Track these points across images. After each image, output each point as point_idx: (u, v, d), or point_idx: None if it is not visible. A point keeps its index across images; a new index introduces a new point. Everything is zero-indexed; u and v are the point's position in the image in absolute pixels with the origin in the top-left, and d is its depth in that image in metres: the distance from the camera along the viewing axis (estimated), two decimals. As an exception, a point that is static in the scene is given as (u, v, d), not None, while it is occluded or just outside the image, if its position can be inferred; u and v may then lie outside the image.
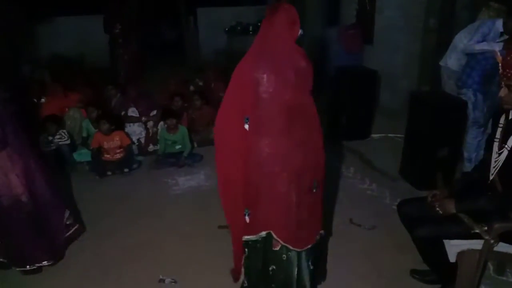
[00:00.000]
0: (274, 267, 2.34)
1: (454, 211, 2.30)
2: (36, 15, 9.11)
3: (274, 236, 2.27)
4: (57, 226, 3.09)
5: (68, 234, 3.16)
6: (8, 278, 2.92)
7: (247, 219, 2.32)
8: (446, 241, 2.35)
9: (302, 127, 2.22)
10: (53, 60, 8.11)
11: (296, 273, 2.33)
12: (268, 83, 2.11)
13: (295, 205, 2.23)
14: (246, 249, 2.38)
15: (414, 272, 2.78)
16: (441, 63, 4.46)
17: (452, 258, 2.35)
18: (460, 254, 2.32)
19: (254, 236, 2.32)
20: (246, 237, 2.35)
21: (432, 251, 2.45)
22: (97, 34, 8.32)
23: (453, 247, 2.34)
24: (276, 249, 2.30)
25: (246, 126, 2.21)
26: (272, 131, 2.17)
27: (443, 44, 5.57)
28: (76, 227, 3.25)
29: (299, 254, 2.32)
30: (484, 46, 3.65)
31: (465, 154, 3.98)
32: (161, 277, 2.86)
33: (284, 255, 2.30)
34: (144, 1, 7.48)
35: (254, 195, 2.26)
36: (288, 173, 2.19)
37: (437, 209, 2.37)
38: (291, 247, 2.28)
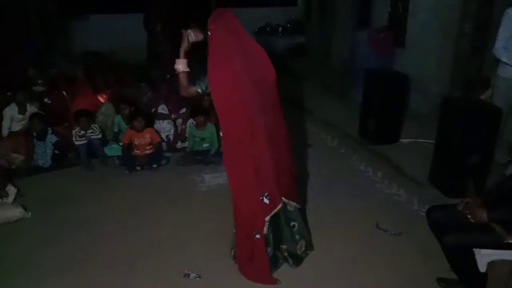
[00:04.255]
0: (295, 223, 2.96)
1: (486, 220, 2.25)
2: (71, 13, 9.43)
3: (286, 200, 2.85)
4: None
5: None
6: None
7: (266, 201, 2.70)
8: (476, 250, 2.30)
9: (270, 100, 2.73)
10: (86, 57, 8.35)
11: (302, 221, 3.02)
12: (266, 75, 2.63)
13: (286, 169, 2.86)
14: (266, 227, 2.74)
15: (441, 281, 2.72)
16: None
17: (482, 268, 2.29)
18: (491, 264, 2.27)
19: (276, 209, 2.77)
20: (268, 217, 2.73)
21: (461, 259, 2.40)
22: (130, 32, 8.54)
23: (484, 257, 2.29)
24: (291, 209, 2.92)
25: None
26: (268, 111, 2.66)
27: (477, 50, 5.45)
28: None
29: (299, 209, 2.99)
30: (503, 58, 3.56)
31: None
32: (186, 272, 2.91)
33: (296, 212, 2.95)
34: (178, 1, 7.59)
35: (269, 174, 2.68)
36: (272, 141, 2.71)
37: (469, 217, 2.32)
38: (296, 204, 2.95)
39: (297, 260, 2.99)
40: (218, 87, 2.53)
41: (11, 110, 5.06)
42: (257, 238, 2.73)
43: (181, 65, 2.68)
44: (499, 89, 4.07)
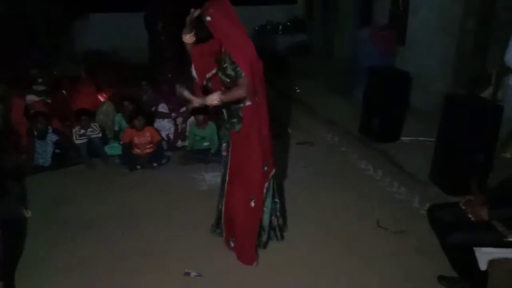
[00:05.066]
0: (278, 200, 3.17)
1: (487, 218, 2.23)
2: (73, 12, 9.44)
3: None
4: None
5: None
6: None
7: (266, 168, 2.91)
8: (477, 249, 2.29)
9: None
10: (88, 56, 8.34)
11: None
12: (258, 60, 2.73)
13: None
14: (264, 194, 2.96)
15: (442, 279, 2.71)
16: None
17: (483, 266, 2.28)
18: (492, 263, 2.25)
19: (271, 175, 2.98)
20: (267, 184, 2.95)
21: (462, 258, 2.39)
22: (131, 31, 8.53)
23: (484, 255, 2.27)
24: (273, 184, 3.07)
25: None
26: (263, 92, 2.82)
27: (480, 46, 5.41)
28: None
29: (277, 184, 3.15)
30: None
31: None
32: (186, 270, 2.90)
33: (276, 187, 3.11)
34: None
35: (267, 147, 2.88)
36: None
37: (470, 215, 2.30)
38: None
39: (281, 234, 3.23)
40: (245, 62, 2.61)
41: None
42: (253, 206, 2.89)
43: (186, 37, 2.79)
44: (510, 97, 4.03)
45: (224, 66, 2.72)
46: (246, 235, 2.98)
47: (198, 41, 2.81)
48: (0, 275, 2.74)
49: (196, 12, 2.65)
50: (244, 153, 2.86)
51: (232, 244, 3.09)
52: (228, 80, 2.73)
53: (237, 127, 2.82)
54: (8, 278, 2.84)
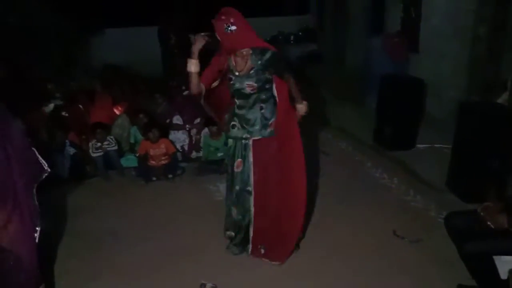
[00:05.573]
0: None
1: (506, 226, 2.20)
2: (88, 27, 9.65)
3: None
4: None
5: None
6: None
7: None
8: (496, 257, 2.25)
9: None
10: (105, 70, 8.49)
11: None
12: None
13: None
14: None
15: (461, 288, 2.67)
16: None
17: (503, 275, 2.24)
18: (513, 271, 2.21)
19: None
20: None
21: (481, 267, 2.35)
22: (145, 45, 8.69)
23: (505, 264, 2.23)
24: None
25: None
26: None
27: (494, 53, 5.36)
28: None
29: None
30: None
31: None
32: (202, 282, 2.90)
33: None
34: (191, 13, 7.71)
35: None
36: None
37: (489, 223, 2.27)
38: None
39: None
40: None
41: None
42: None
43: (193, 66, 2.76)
44: None
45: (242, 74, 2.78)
46: (292, 231, 2.99)
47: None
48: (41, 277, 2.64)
49: (199, 41, 2.73)
50: (278, 157, 2.94)
51: (262, 251, 3.07)
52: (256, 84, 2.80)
53: (264, 132, 2.91)
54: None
